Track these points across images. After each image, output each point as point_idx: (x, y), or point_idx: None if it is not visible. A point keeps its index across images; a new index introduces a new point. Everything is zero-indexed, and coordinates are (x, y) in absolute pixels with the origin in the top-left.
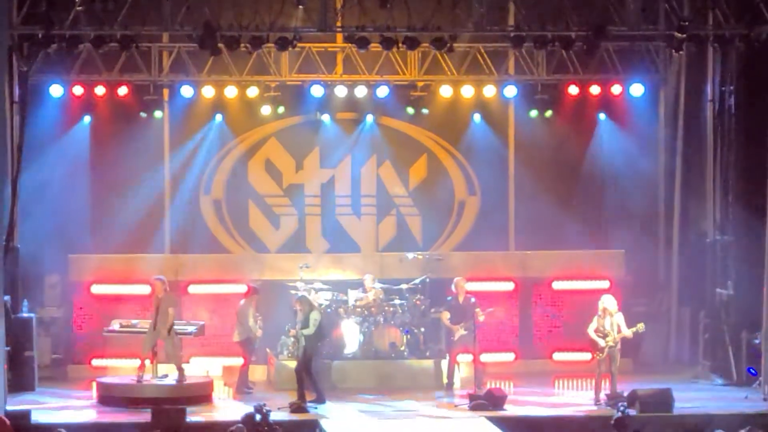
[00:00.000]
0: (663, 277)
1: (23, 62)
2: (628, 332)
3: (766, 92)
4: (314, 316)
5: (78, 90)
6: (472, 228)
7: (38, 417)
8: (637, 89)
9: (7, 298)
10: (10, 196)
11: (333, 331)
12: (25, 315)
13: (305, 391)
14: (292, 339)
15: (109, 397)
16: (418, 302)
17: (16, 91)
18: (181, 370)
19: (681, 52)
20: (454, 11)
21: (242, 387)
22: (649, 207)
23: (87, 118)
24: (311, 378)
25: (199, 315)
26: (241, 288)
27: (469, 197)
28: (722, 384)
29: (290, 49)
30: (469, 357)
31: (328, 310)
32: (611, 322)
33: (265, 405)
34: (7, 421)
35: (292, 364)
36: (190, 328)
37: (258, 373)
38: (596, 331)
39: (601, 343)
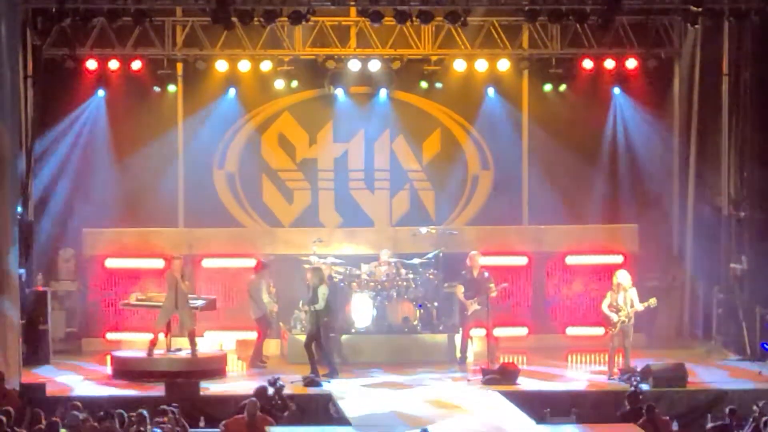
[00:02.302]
0: (677, 251)
1: (37, 36)
2: (639, 306)
3: None
4: (322, 290)
5: (92, 64)
6: (486, 202)
7: (53, 390)
8: (651, 63)
9: (22, 271)
10: (25, 170)
11: (344, 305)
12: (40, 288)
13: (318, 365)
14: (305, 314)
15: (124, 371)
16: (431, 276)
17: (30, 65)
18: (194, 343)
19: (696, 26)
20: None
21: (256, 361)
22: (663, 181)
23: (101, 92)
24: (323, 352)
25: (212, 289)
26: (253, 262)
27: (482, 171)
28: (736, 359)
29: (303, 23)
30: (483, 331)
31: (341, 284)
32: (624, 297)
33: (278, 379)
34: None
35: (304, 338)
36: (199, 302)
37: (271, 347)
38: (609, 306)
39: (614, 318)
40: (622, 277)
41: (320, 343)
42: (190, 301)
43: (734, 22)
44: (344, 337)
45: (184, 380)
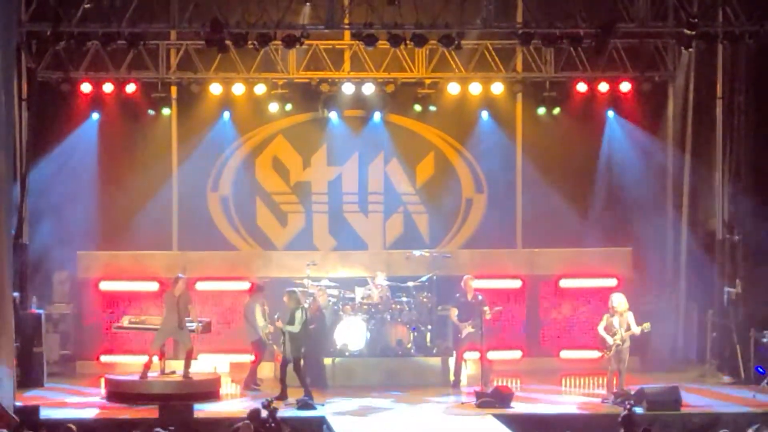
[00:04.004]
0: (671, 275)
1: (32, 59)
2: (636, 329)
3: None
4: (298, 315)
5: (86, 87)
6: (480, 226)
7: (47, 413)
8: (646, 86)
9: (16, 294)
10: (19, 193)
11: (333, 329)
12: (34, 311)
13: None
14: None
15: (118, 393)
16: (425, 299)
17: (25, 88)
18: (189, 365)
19: (690, 49)
20: (462, 8)
21: (250, 383)
22: (657, 205)
23: (95, 115)
24: (298, 376)
25: (206, 312)
26: (249, 285)
27: (476, 195)
28: (730, 382)
29: (298, 46)
30: (477, 354)
31: (335, 307)
32: (620, 320)
33: (272, 401)
34: (14, 417)
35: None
36: (194, 325)
37: (265, 370)
38: (605, 328)
39: (610, 340)
40: (618, 300)
41: (296, 367)
42: (188, 324)
43: (728, 45)
44: (338, 360)
45: (178, 403)
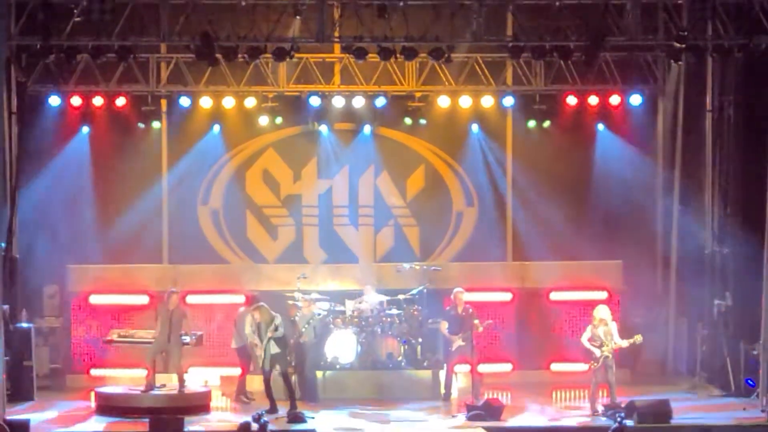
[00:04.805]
0: (661, 288)
1: (21, 73)
2: (623, 342)
3: (765, 103)
4: (278, 321)
5: (76, 101)
6: (470, 238)
7: (37, 426)
8: (635, 100)
9: (6, 307)
10: (9, 207)
11: (324, 342)
12: (24, 325)
13: (274, 400)
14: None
15: (108, 407)
16: (415, 312)
17: (15, 101)
18: (182, 379)
19: (680, 63)
20: (452, 21)
21: (240, 396)
22: (647, 217)
23: (85, 129)
24: (267, 387)
25: (197, 325)
26: (239, 298)
27: (467, 208)
28: (720, 395)
29: (288, 59)
30: (467, 367)
31: (326, 320)
32: (605, 331)
33: (262, 415)
34: (6, 428)
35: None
36: (188, 338)
37: (255, 383)
38: (590, 340)
39: (597, 352)
40: (603, 311)
41: (267, 378)
42: (182, 337)
43: (717, 58)
44: (329, 372)
45: (168, 416)
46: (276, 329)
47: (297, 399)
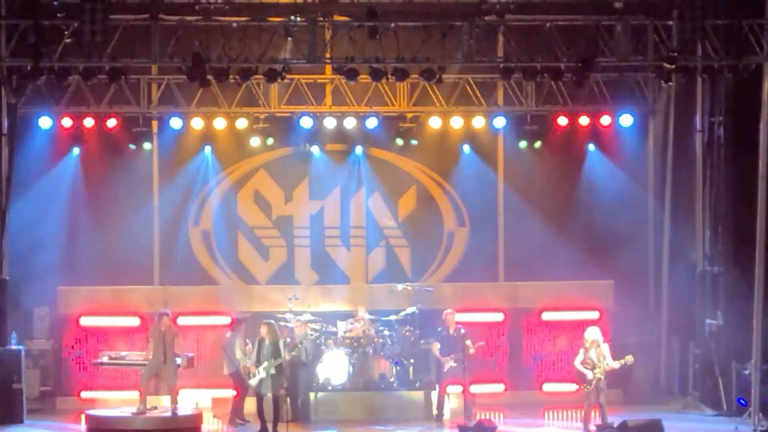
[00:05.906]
0: (653, 307)
1: (12, 94)
2: (614, 364)
3: (755, 123)
4: (281, 345)
5: (67, 122)
6: (462, 259)
7: None
8: (626, 120)
9: None
10: None
11: (316, 363)
12: (14, 347)
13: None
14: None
15: (98, 430)
16: (407, 333)
17: (5, 122)
18: (176, 400)
19: (670, 83)
20: (444, 42)
21: (235, 419)
22: (638, 237)
23: (76, 150)
24: (260, 408)
25: (188, 347)
26: (228, 320)
27: (458, 228)
28: (712, 414)
29: (279, 80)
30: (459, 388)
31: (319, 340)
32: (597, 353)
33: None
34: None
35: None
36: (179, 359)
37: (249, 405)
38: (583, 362)
39: (589, 375)
40: (593, 333)
41: (276, 401)
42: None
43: (707, 79)
44: (321, 394)
45: None
46: (278, 353)
47: (288, 421)
